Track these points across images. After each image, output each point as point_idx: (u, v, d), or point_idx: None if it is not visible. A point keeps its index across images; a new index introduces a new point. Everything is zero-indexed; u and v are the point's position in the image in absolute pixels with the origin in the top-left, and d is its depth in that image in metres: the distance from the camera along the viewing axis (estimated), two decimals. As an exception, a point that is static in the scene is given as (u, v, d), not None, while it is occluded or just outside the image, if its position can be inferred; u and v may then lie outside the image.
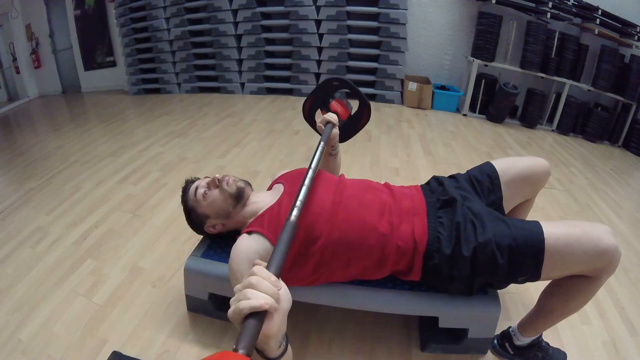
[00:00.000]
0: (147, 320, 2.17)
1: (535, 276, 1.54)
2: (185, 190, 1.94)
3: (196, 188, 1.87)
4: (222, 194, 1.82)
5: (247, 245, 1.60)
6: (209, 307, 2.07)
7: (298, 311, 2.07)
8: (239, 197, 1.83)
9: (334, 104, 2.24)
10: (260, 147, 4.54)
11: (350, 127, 2.37)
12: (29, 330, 2.16)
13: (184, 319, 2.15)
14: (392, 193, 1.80)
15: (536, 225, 1.54)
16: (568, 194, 3.67)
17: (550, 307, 1.69)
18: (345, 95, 2.31)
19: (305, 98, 2.40)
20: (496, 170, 1.93)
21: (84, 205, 3.41)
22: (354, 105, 2.34)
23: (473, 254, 1.54)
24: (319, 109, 2.36)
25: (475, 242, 1.54)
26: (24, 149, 5.21)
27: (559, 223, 1.56)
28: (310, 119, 2.44)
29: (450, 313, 1.76)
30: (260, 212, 1.76)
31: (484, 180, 1.91)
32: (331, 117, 2.04)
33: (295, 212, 1.27)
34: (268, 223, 1.64)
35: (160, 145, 4.79)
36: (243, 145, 4.60)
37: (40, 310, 2.29)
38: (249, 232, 1.65)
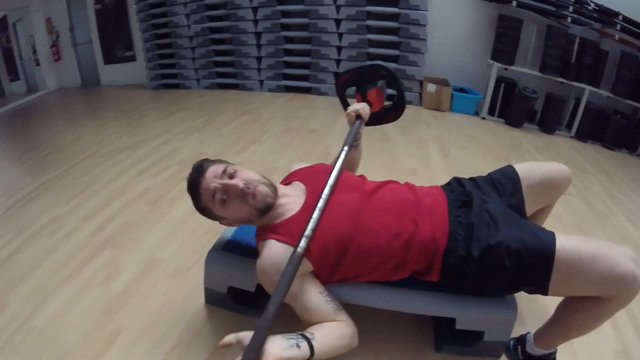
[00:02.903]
0: (163, 311, 2.16)
1: (542, 288, 1.50)
2: (194, 185, 1.67)
3: (213, 192, 1.62)
4: (246, 207, 1.65)
5: (281, 257, 1.54)
6: (227, 300, 2.06)
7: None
8: (266, 211, 1.69)
9: (373, 92, 2.20)
10: (277, 145, 4.55)
11: (378, 117, 2.33)
12: (43, 316, 2.16)
13: (200, 311, 2.15)
14: (414, 191, 1.78)
15: (550, 235, 1.50)
16: (584, 201, 3.63)
17: (559, 319, 1.67)
18: (385, 85, 2.28)
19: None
20: (518, 174, 1.89)
21: (102, 197, 3.43)
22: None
23: (482, 254, 1.52)
24: (355, 89, 2.29)
25: (485, 242, 1.52)
26: (42, 140, 5.26)
27: (579, 238, 1.53)
28: (341, 91, 2.41)
29: (468, 315, 1.74)
30: (286, 217, 1.70)
31: (505, 183, 1.88)
32: (364, 110, 2.04)
33: (302, 243, 1.44)
34: (298, 233, 1.56)
35: (178, 140, 4.82)
36: (261, 143, 4.62)
37: (55, 297, 2.30)
38: (279, 240, 1.61)
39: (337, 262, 1.62)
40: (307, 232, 1.47)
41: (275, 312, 1.31)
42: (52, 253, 2.69)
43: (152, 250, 2.68)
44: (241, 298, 2.03)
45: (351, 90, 2.34)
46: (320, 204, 1.59)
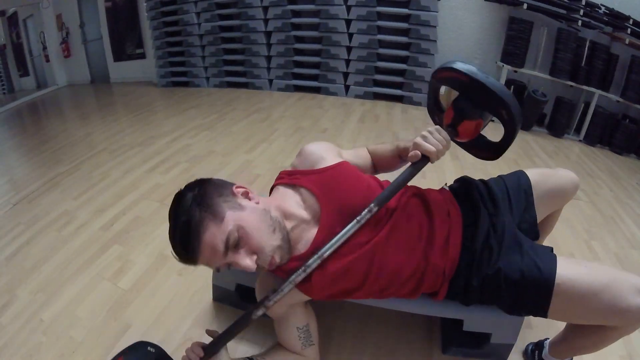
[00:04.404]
0: (171, 307, 2.17)
1: (541, 314, 1.46)
2: (188, 261, 1.32)
3: (217, 268, 1.35)
4: (258, 269, 1.39)
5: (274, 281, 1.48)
6: (235, 297, 2.07)
7: (323, 306, 2.07)
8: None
9: (471, 125, 1.54)
10: (287, 144, 4.55)
11: (462, 145, 1.67)
12: (51, 310, 2.19)
13: (208, 308, 2.15)
14: (431, 212, 1.57)
15: (551, 264, 1.42)
16: (593, 206, 3.60)
17: (567, 337, 1.67)
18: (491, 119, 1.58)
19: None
20: (531, 185, 1.82)
21: (112, 192, 3.45)
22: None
23: (481, 283, 1.49)
24: (453, 101, 1.57)
25: (485, 272, 1.48)
26: (52, 135, 5.29)
27: (583, 267, 1.42)
28: (436, 86, 1.69)
29: (476, 317, 1.73)
30: (292, 254, 1.45)
31: (519, 195, 1.79)
32: (438, 153, 1.42)
33: (259, 311, 1.39)
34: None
35: (188, 137, 4.84)
36: (271, 141, 4.62)
37: (64, 292, 2.32)
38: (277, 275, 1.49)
39: (344, 295, 1.53)
40: (270, 300, 1.37)
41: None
42: (61, 247, 2.71)
43: (160, 246, 2.68)
44: (249, 296, 2.03)
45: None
46: (313, 261, 1.37)
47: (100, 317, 2.12)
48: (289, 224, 1.44)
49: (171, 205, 1.32)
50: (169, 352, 1.89)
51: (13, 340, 2.01)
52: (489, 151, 1.65)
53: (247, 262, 1.29)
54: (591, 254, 2.77)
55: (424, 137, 1.42)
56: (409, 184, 1.56)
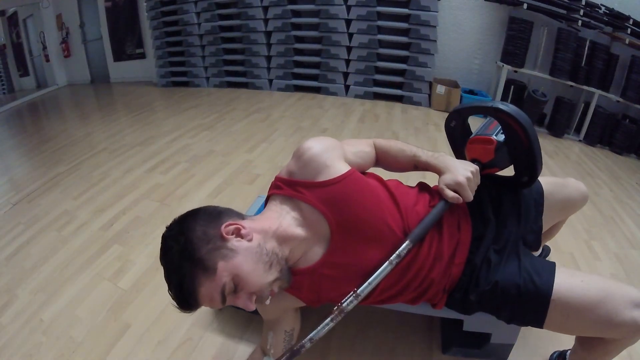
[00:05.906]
0: (171, 307, 2.14)
1: (538, 326, 1.44)
2: (185, 310, 1.28)
3: (209, 306, 1.28)
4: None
5: (282, 301, 1.51)
6: (235, 297, 2.06)
7: (323, 307, 2.07)
8: None
9: (494, 170, 1.62)
10: (287, 144, 4.54)
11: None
12: (51, 310, 2.19)
13: (208, 309, 2.14)
14: (440, 226, 1.51)
15: (548, 280, 1.39)
16: (593, 206, 3.59)
17: (576, 351, 1.67)
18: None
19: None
20: (542, 196, 1.74)
21: (112, 192, 3.45)
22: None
23: (479, 298, 1.47)
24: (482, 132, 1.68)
25: (482, 288, 1.46)
26: (52, 135, 5.29)
27: (580, 280, 1.38)
28: (464, 115, 1.79)
29: (475, 317, 1.72)
30: (299, 267, 1.42)
31: (529, 206, 1.71)
32: (469, 191, 1.41)
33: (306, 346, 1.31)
34: (308, 290, 1.45)
35: (188, 137, 4.83)
36: (271, 141, 4.61)
37: (64, 292, 2.33)
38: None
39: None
40: (306, 343, 1.32)
41: None
42: (61, 247, 2.72)
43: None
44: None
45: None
46: (348, 303, 1.35)
47: (100, 317, 2.13)
48: (286, 249, 1.36)
49: (160, 254, 1.27)
50: (168, 352, 1.91)
51: (13, 340, 2.02)
52: (511, 183, 1.67)
53: (248, 304, 1.25)
54: (591, 254, 2.76)
55: (469, 181, 1.40)
56: (422, 180, 1.71)
